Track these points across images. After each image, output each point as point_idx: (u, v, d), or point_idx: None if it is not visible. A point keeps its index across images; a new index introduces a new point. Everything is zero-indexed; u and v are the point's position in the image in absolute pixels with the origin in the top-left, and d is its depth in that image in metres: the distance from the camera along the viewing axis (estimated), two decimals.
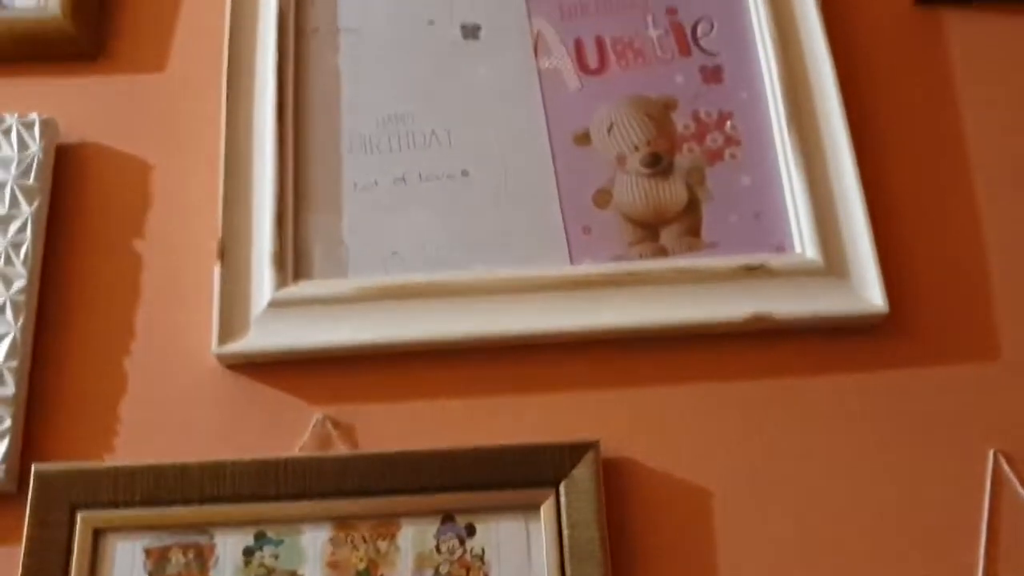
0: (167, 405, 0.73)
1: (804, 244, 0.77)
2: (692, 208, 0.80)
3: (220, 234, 0.76)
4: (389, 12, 0.86)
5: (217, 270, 0.75)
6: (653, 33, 0.86)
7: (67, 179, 0.80)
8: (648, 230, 0.79)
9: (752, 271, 0.76)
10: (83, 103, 0.83)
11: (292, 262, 0.76)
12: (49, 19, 0.84)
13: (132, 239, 0.78)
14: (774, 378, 0.74)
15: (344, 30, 0.85)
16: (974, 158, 0.82)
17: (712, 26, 0.86)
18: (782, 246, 0.78)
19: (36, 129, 0.79)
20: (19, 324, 0.73)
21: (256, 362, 0.74)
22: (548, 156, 0.81)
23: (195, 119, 0.82)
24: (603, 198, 0.80)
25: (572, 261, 0.77)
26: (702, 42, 0.85)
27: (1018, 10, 0.87)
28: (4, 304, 0.73)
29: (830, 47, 0.83)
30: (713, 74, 0.84)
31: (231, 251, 0.76)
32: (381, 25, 0.85)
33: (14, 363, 0.72)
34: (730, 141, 0.82)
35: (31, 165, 0.78)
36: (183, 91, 0.84)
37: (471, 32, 0.86)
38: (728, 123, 0.82)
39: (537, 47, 0.85)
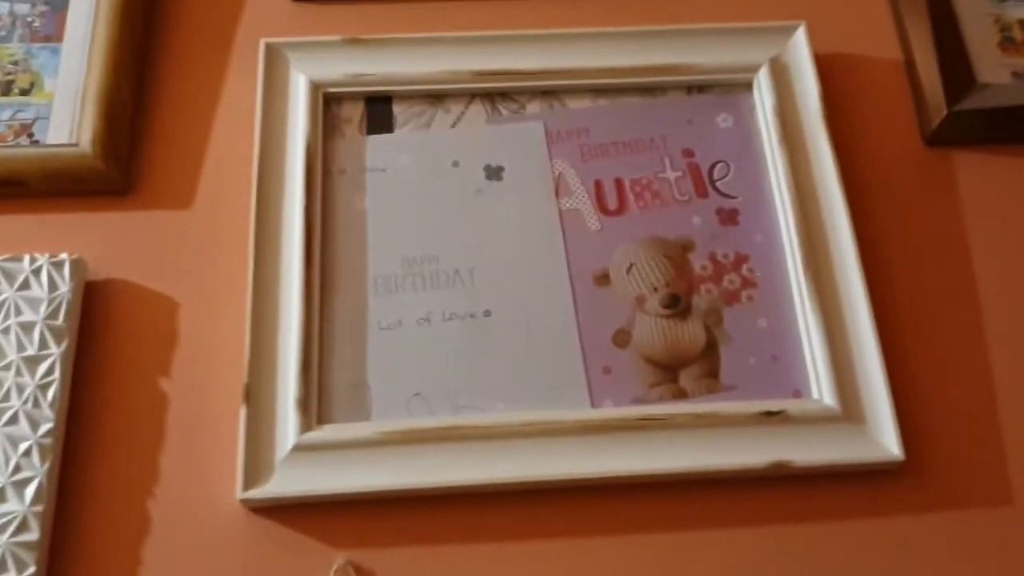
0: (191, 549, 0.74)
1: (821, 390, 0.79)
2: (710, 349, 0.82)
3: (247, 379, 0.77)
4: (415, 153, 0.89)
5: (243, 414, 0.76)
6: (671, 175, 0.89)
7: (94, 317, 0.82)
8: (667, 371, 0.81)
9: (772, 416, 0.77)
10: (111, 239, 0.85)
11: (316, 405, 0.78)
12: (81, 155, 0.87)
13: (158, 378, 0.80)
14: (792, 524, 0.75)
15: (370, 170, 0.88)
16: (985, 301, 0.84)
17: (729, 169, 0.89)
18: (799, 391, 0.80)
19: (66, 269, 0.81)
20: (45, 468, 0.74)
21: (280, 505, 0.75)
22: (569, 296, 0.83)
23: (222, 257, 0.85)
24: (623, 338, 0.82)
25: (593, 403, 0.79)
26: (719, 184, 0.88)
27: None
28: (31, 448, 0.74)
29: (843, 188, 0.86)
30: (729, 216, 0.87)
31: (256, 395, 0.77)
32: (407, 166, 0.88)
33: (39, 508, 0.73)
34: (747, 283, 0.84)
35: (60, 305, 0.80)
36: (210, 229, 0.86)
37: (495, 173, 0.89)
38: (744, 265, 0.85)
39: (558, 188, 0.88)
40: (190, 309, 0.83)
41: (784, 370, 0.81)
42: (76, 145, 0.87)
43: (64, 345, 0.79)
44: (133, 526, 0.75)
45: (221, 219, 0.86)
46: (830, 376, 0.79)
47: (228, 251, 0.85)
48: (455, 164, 0.89)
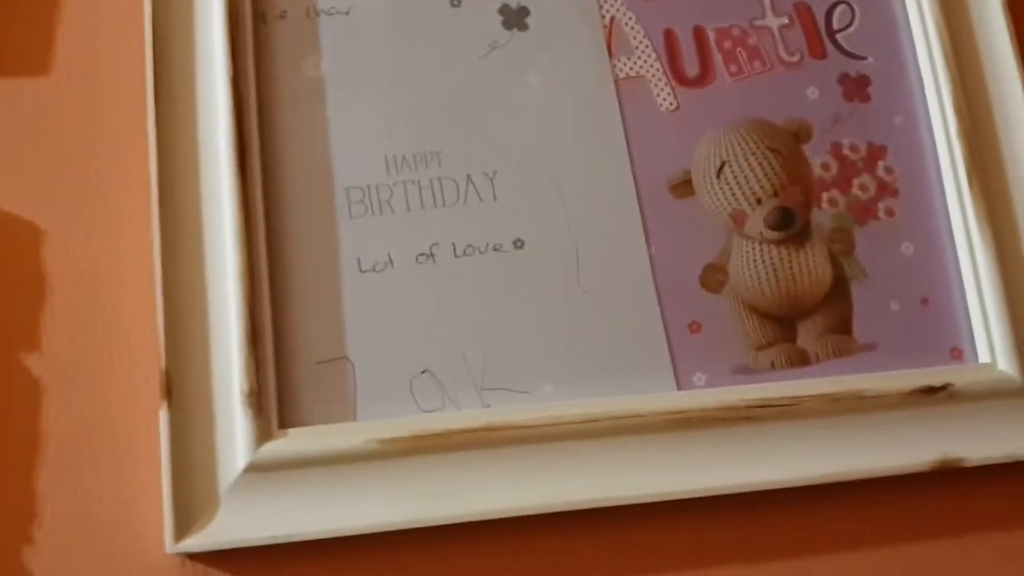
0: None
1: (993, 348, 0.58)
2: (839, 291, 0.60)
3: (163, 360, 0.52)
4: None
5: (164, 417, 0.52)
6: (773, 22, 0.63)
7: None
8: (780, 325, 0.59)
9: (932, 394, 0.57)
10: None
11: (275, 399, 0.53)
12: None
13: (23, 357, 0.54)
14: (962, 536, 0.57)
15: (326, 13, 0.60)
16: None
17: (853, 15, 0.64)
18: (959, 349, 0.59)
19: None
20: None
21: (232, 552, 0.52)
22: (635, 214, 0.59)
23: (108, 154, 0.57)
24: (715, 277, 0.59)
25: (678, 378, 0.57)
26: (841, 38, 0.63)
27: None
28: None
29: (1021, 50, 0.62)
30: (857, 87, 0.63)
31: (181, 386, 0.52)
32: (382, 6, 0.60)
33: None
34: (884, 189, 0.61)
35: None
36: (85, 107, 0.58)
37: (515, 18, 0.61)
38: (880, 163, 0.62)
39: (611, 43, 0.62)
40: (62, 241, 0.56)
41: (938, 319, 0.60)
42: None
43: None
44: None
45: (101, 92, 0.58)
46: (1004, 328, 0.58)
47: (116, 144, 0.57)
48: (455, 3, 0.61)
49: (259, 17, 0.59)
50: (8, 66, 0.58)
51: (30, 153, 0.57)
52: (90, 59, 0.59)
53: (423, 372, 0.56)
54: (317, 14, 0.60)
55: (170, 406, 0.52)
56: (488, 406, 0.55)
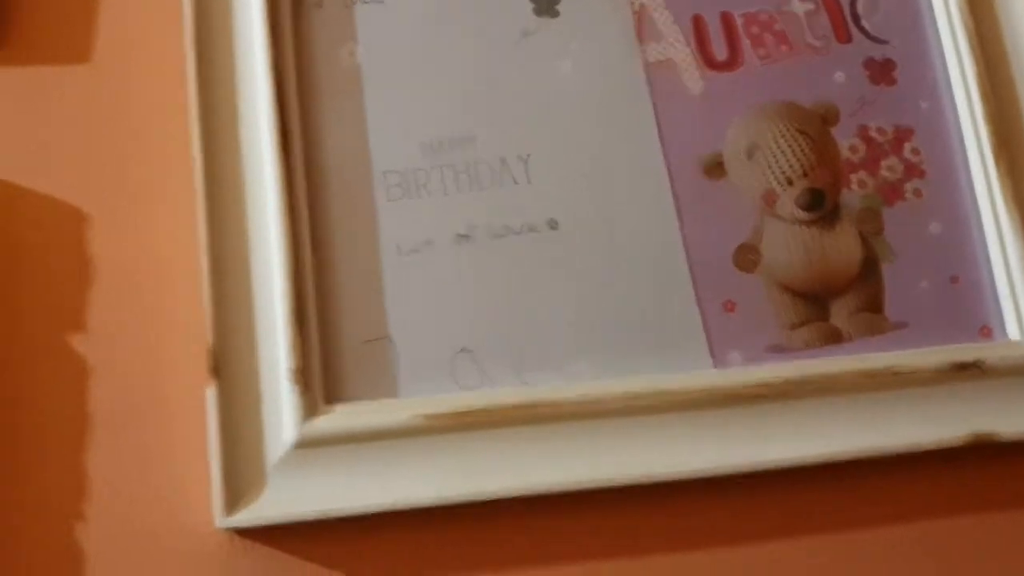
0: None
1: (1023, 326, 0.60)
2: (869, 270, 0.61)
3: (211, 339, 0.53)
4: None
5: (212, 394, 0.53)
6: (799, 7, 0.65)
7: None
8: (814, 304, 0.60)
9: (963, 371, 0.58)
10: None
11: (321, 376, 0.55)
12: None
13: (70, 337, 0.55)
14: (995, 512, 0.58)
15: (362, 2, 0.61)
16: None
17: None
18: (988, 327, 0.61)
19: None
20: None
21: (280, 528, 0.53)
22: (667, 195, 0.60)
23: (149, 139, 0.58)
24: (748, 257, 0.60)
25: (714, 355, 0.58)
26: (866, 23, 0.65)
27: None
28: None
29: None
30: (882, 71, 0.64)
31: (229, 364, 0.53)
32: None
33: None
34: (912, 170, 0.63)
35: None
36: (122, 94, 0.59)
37: (547, 5, 0.63)
38: (907, 144, 0.63)
39: (641, 29, 0.63)
40: (108, 225, 0.57)
41: (967, 297, 0.61)
42: None
43: None
44: (57, 570, 0.52)
45: (141, 79, 0.59)
46: None
47: (157, 130, 0.59)
48: None
49: (297, 5, 0.60)
50: (51, 55, 0.60)
51: (74, 141, 0.58)
52: (130, 47, 0.60)
53: (462, 351, 0.57)
54: (353, 2, 0.61)
55: (219, 384, 0.53)
56: (525, 384, 0.56)
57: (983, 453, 0.58)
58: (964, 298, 0.61)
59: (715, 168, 0.61)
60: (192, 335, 0.55)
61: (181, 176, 0.57)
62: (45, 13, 0.60)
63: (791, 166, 0.62)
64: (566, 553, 0.55)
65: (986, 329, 0.61)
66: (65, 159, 0.58)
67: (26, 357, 0.55)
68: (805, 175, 0.62)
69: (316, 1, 0.61)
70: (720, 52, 0.63)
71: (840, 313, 0.60)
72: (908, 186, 0.62)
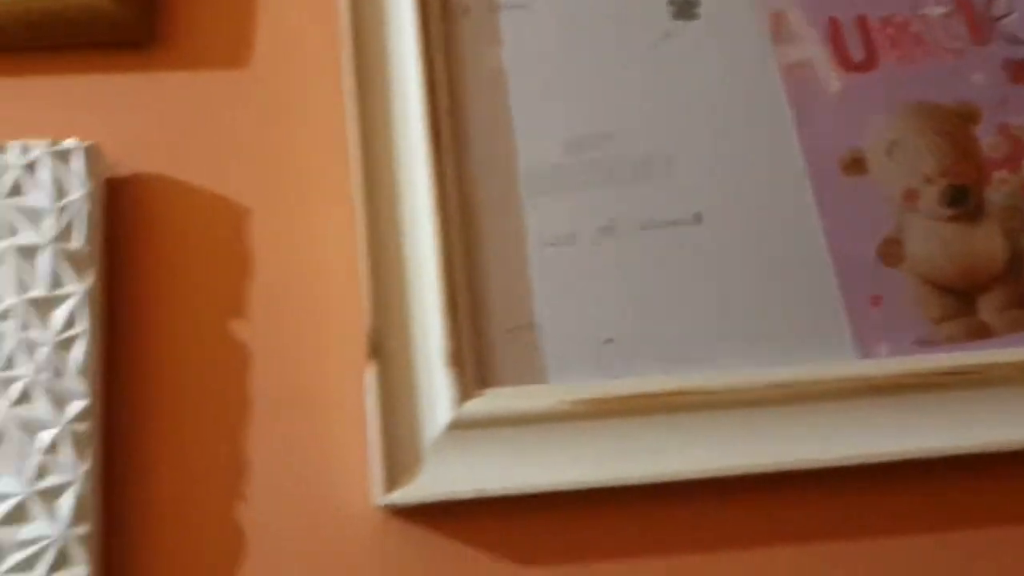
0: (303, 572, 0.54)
1: None
2: (1015, 266, 0.61)
3: (371, 321, 0.55)
4: None
5: (371, 376, 0.54)
6: (934, 11, 0.66)
7: (124, 233, 0.59)
8: (960, 299, 0.60)
9: None
10: (136, 113, 0.62)
11: (473, 361, 0.56)
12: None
13: (231, 323, 0.58)
14: None
15: (507, 7, 0.64)
16: None
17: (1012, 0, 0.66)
18: None
19: (77, 162, 0.57)
20: (83, 469, 0.52)
21: (434, 507, 0.54)
22: (807, 191, 0.61)
23: (305, 137, 0.61)
24: (893, 252, 0.60)
25: (861, 348, 0.58)
26: (1003, 24, 0.65)
27: None
28: (57, 440, 0.52)
29: None
30: (1022, 70, 0.64)
31: (387, 346, 0.55)
32: (557, 0, 0.64)
33: (83, 529, 0.51)
34: None
35: (75, 218, 0.56)
36: (280, 97, 0.62)
37: (686, 8, 0.65)
38: None
39: (777, 31, 0.64)
40: (267, 217, 0.60)
41: None
42: None
43: (90, 279, 0.55)
44: (219, 547, 0.54)
45: (297, 83, 0.63)
46: None
47: (313, 130, 0.61)
48: None
49: (446, 12, 0.63)
50: (211, 61, 0.63)
51: (234, 141, 0.61)
52: (286, 53, 0.63)
53: (608, 341, 0.58)
54: (499, 8, 0.64)
55: (378, 365, 0.55)
56: (668, 374, 0.57)
57: None
58: None
59: (855, 165, 0.62)
60: (349, 321, 0.57)
61: (338, 174, 0.60)
62: (206, 24, 0.64)
63: (931, 164, 0.62)
64: (707, 540, 0.55)
65: None
66: (229, 158, 0.61)
67: (192, 344, 0.57)
68: (946, 173, 0.62)
69: (464, 8, 0.64)
70: (857, 53, 0.64)
71: (988, 308, 0.60)
72: None
